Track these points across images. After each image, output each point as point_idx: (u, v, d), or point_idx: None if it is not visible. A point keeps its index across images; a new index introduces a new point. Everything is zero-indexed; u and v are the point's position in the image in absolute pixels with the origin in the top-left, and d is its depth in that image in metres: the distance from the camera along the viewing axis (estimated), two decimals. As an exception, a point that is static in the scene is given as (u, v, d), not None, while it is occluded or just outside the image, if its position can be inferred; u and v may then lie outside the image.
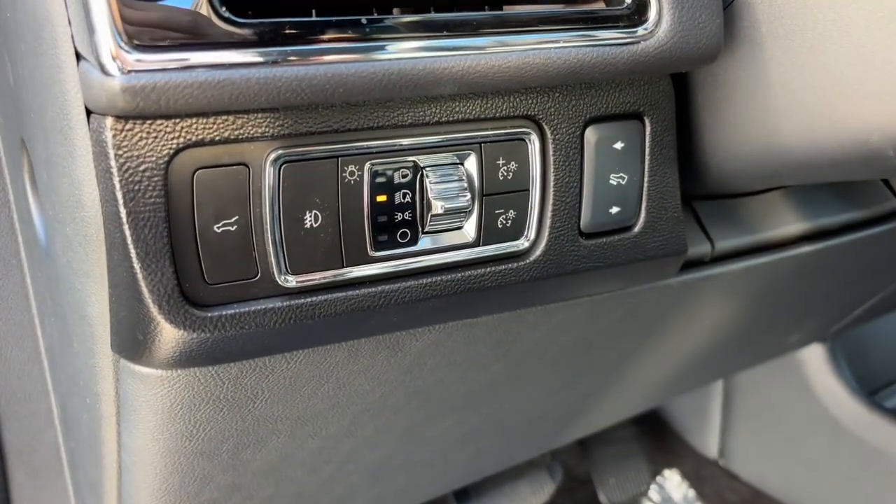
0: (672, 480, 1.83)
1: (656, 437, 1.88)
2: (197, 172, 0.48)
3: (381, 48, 0.49)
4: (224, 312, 0.51)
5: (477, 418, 0.85)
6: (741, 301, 0.89)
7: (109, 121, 0.45)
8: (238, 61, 0.45)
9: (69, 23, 0.45)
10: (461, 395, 0.78)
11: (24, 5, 0.50)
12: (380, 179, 0.53)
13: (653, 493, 1.79)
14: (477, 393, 0.79)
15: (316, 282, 0.53)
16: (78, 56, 0.46)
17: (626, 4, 0.56)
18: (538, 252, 0.60)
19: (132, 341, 0.52)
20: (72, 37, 0.45)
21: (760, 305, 0.95)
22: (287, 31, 0.46)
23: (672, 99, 0.63)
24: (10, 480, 0.86)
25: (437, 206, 0.55)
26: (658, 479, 1.83)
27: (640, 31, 0.56)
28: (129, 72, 0.43)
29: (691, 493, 1.79)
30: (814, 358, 1.49)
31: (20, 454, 0.85)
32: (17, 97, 0.58)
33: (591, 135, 0.60)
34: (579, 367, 0.86)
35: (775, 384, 1.58)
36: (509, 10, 0.53)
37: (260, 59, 0.45)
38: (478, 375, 0.76)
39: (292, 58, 0.46)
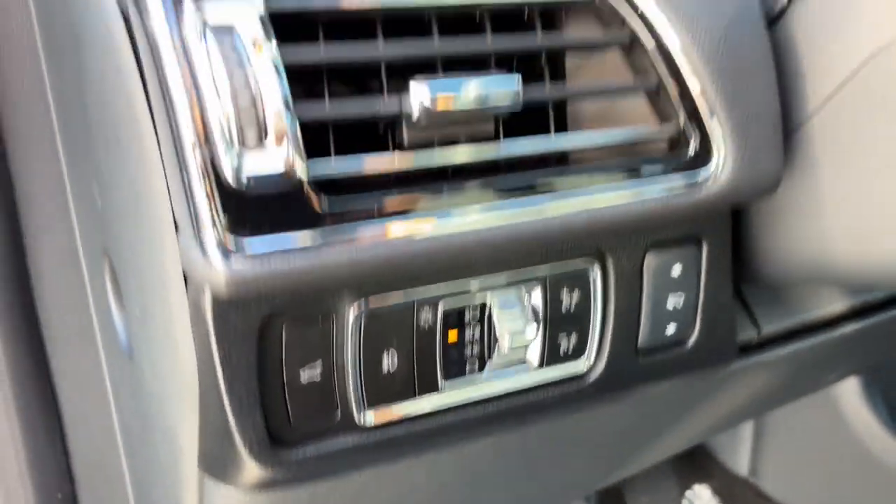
0: (702, 496, 1.85)
1: (686, 453, 1.90)
2: (285, 325, 0.51)
3: (454, 216, 0.51)
4: (307, 453, 0.54)
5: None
6: (787, 379, 0.91)
7: (209, 295, 0.48)
8: (324, 242, 0.47)
9: (169, 196, 0.48)
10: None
11: (123, 174, 0.52)
12: (451, 319, 0.56)
13: (683, 508, 1.82)
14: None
15: (391, 418, 0.56)
16: (175, 225, 0.48)
17: (689, 155, 0.58)
18: (597, 373, 0.62)
19: (219, 469, 0.56)
20: (171, 209, 0.48)
21: (805, 377, 0.96)
22: (374, 208, 0.49)
23: (729, 220, 0.65)
24: None
25: (505, 340, 0.58)
26: (688, 493, 1.85)
27: (702, 177, 0.57)
28: (231, 255, 0.45)
29: (721, 509, 1.82)
30: (848, 390, 1.49)
31: None
32: (105, 221, 0.60)
33: (650, 261, 0.62)
34: (617, 450, 0.88)
35: (808, 412, 1.58)
36: (576, 167, 0.55)
37: (347, 238, 0.48)
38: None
39: (377, 238, 0.49)
